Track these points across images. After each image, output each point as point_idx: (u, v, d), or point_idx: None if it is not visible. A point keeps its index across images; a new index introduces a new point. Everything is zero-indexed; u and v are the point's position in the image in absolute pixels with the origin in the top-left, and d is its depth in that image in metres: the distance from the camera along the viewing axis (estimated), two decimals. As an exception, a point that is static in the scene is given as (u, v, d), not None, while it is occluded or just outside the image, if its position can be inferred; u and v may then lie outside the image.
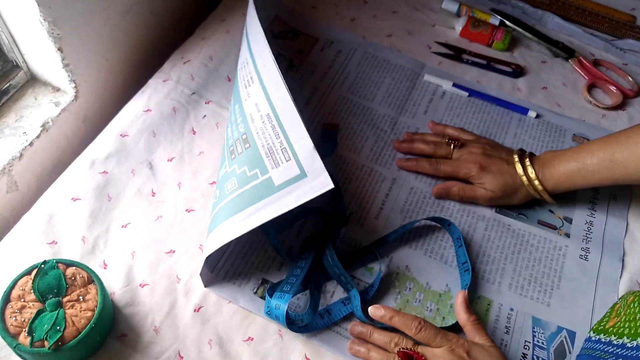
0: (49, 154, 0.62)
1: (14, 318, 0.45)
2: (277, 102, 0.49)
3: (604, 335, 0.49)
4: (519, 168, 0.59)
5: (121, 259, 0.54)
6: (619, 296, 0.56)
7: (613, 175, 0.55)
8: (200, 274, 0.51)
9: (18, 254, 0.53)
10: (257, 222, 0.46)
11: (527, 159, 0.59)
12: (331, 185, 0.44)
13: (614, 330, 0.48)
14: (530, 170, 0.58)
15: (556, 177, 0.58)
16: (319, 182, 0.45)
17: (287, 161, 0.47)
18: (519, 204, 0.60)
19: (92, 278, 0.48)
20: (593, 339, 0.51)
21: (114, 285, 0.52)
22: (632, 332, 0.46)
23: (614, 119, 0.72)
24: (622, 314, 0.49)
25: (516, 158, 0.59)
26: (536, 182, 0.58)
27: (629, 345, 0.45)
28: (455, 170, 0.61)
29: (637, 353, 0.43)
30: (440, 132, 0.66)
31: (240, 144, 0.50)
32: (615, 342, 0.47)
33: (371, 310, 0.50)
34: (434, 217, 0.60)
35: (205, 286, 0.53)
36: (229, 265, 0.55)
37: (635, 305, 0.48)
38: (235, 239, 0.56)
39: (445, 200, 0.62)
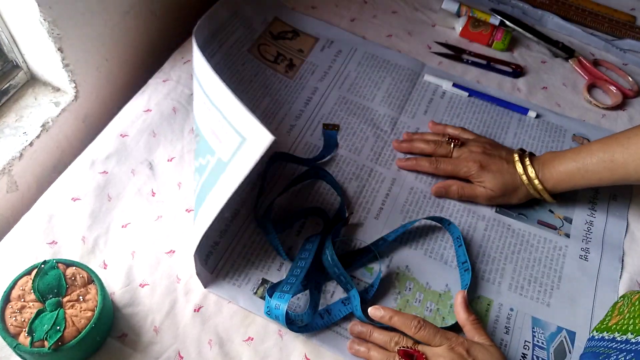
0: (49, 154, 0.62)
1: (14, 318, 0.45)
2: (211, 91, 0.49)
3: (607, 333, 0.49)
4: (519, 167, 0.59)
5: (121, 259, 0.54)
6: (619, 296, 0.56)
7: (613, 176, 0.55)
8: (198, 274, 0.51)
9: (18, 254, 0.53)
10: (220, 204, 0.46)
11: (527, 159, 0.59)
12: (270, 137, 0.43)
13: (617, 328, 0.48)
14: (530, 169, 0.58)
15: (556, 176, 0.58)
16: (260, 140, 0.44)
17: (226, 134, 0.46)
18: (518, 203, 0.61)
19: (92, 278, 0.48)
20: (596, 337, 0.51)
21: (114, 285, 0.52)
22: (637, 328, 0.46)
23: (614, 119, 0.72)
24: (626, 311, 0.49)
25: (516, 157, 0.59)
26: (536, 182, 0.58)
27: (633, 340, 0.45)
28: (455, 169, 0.61)
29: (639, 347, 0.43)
30: (441, 132, 0.66)
31: (195, 139, 0.51)
32: (619, 338, 0.47)
33: (371, 311, 0.50)
34: (434, 216, 0.60)
35: (204, 287, 0.53)
36: (229, 266, 0.55)
37: None
38: (236, 239, 0.56)
39: (444, 199, 0.62)
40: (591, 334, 0.53)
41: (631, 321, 0.47)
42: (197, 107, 0.53)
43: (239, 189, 0.45)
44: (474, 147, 0.61)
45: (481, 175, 0.59)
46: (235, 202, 0.57)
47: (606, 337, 0.49)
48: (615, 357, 0.44)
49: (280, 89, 0.70)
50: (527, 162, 0.59)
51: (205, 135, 0.50)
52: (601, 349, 0.48)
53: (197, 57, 0.52)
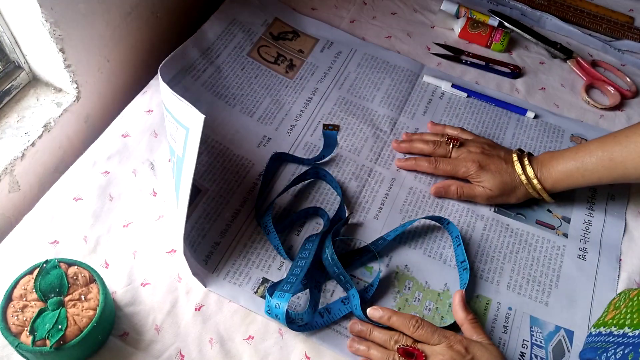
0: (50, 154, 0.62)
1: (16, 317, 0.45)
2: (167, 101, 0.51)
3: (604, 328, 0.50)
4: (517, 167, 0.59)
5: (122, 258, 0.54)
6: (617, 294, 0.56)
7: (612, 174, 0.56)
8: (195, 274, 0.52)
9: (20, 254, 0.53)
10: (186, 196, 0.48)
11: (526, 159, 0.59)
12: (201, 116, 0.44)
13: (614, 322, 0.49)
14: (529, 169, 0.59)
15: (555, 176, 0.58)
16: (194, 123, 0.46)
17: (176, 131, 0.49)
18: (517, 202, 0.61)
19: (93, 277, 0.48)
20: (594, 333, 0.51)
21: (116, 284, 0.52)
22: (635, 322, 0.46)
23: (612, 120, 0.72)
24: (623, 306, 0.50)
25: (515, 157, 0.60)
26: (535, 181, 0.58)
27: (630, 334, 0.45)
28: (454, 169, 0.61)
29: (638, 340, 0.44)
30: (440, 132, 0.66)
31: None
32: (615, 332, 0.47)
33: (369, 311, 0.50)
34: (433, 216, 0.60)
35: (204, 286, 0.53)
36: (229, 265, 0.55)
37: (639, 299, 0.48)
38: (236, 239, 0.57)
39: (444, 199, 0.62)
40: (589, 331, 0.53)
41: (628, 315, 0.47)
42: (166, 126, 0.54)
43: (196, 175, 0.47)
44: (472, 148, 0.62)
45: (480, 175, 0.60)
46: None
47: (603, 332, 0.49)
48: (613, 350, 0.45)
49: (280, 90, 0.70)
50: (526, 161, 0.59)
51: (169, 142, 0.52)
52: (599, 343, 0.48)
53: (162, 86, 0.53)
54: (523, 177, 0.59)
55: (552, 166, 0.58)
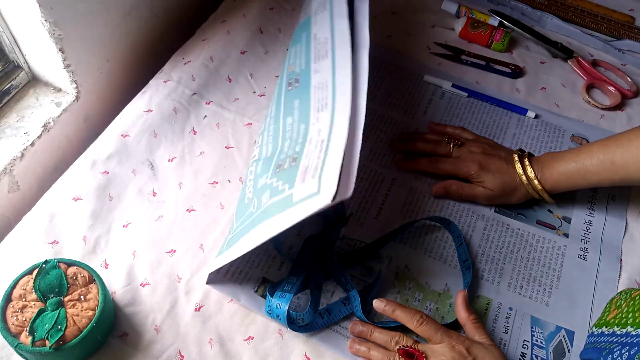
0: (50, 154, 0.62)
1: (15, 317, 0.45)
2: (338, 127, 0.46)
3: (605, 327, 0.50)
4: (518, 167, 0.59)
5: (122, 258, 0.54)
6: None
7: (613, 177, 0.55)
8: (209, 274, 0.52)
9: (19, 254, 0.53)
10: (264, 237, 0.45)
11: (527, 159, 0.59)
12: (326, 201, 0.40)
13: (616, 322, 0.49)
14: (529, 169, 0.58)
15: (555, 177, 0.58)
16: (321, 197, 0.42)
17: (312, 178, 0.44)
18: (517, 203, 0.61)
19: (93, 277, 0.48)
20: (595, 333, 0.51)
21: (115, 284, 0.52)
22: (637, 321, 0.46)
23: (612, 120, 0.72)
24: (624, 305, 0.50)
25: (516, 157, 0.60)
26: (535, 182, 0.58)
27: (633, 333, 0.45)
28: (455, 169, 0.61)
29: None
30: (440, 131, 0.66)
31: (290, 162, 0.49)
32: (618, 332, 0.47)
33: (375, 302, 0.50)
34: (434, 216, 0.60)
35: (206, 282, 0.53)
36: (230, 264, 0.55)
37: None
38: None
39: (444, 199, 0.62)
40: (590, 331, 0.53)
41: (630, 315, 0.47)
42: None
43: (278, 235, 0.44)
44: (473, 147, 0.62)
45: (481, 175, 0.59)
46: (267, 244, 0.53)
47: (606, 332, 0.49)
48: (618, 352, 0.44)
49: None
50: (527, 162, 0.59)
51: (301, 165, 0.46)
52: (602, 344, 0.48)
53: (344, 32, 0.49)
54: (524, 178, 0.59)
55: (553, 167, 0.58)
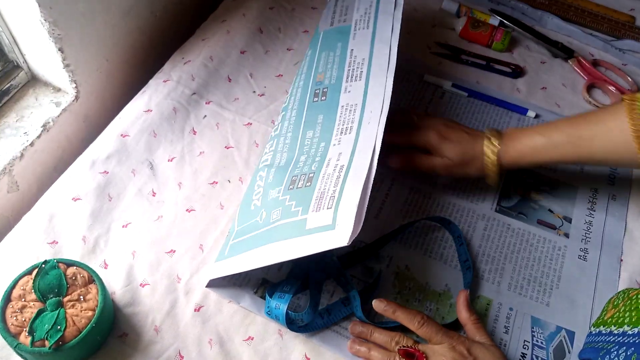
0: (49, 154, 0.62)
1: (15, 318, 0.45)
2: (359, 158, 0.46)
3: (603, 327, 0.50)
4: (482, 137, 0.57)
5: (122, 258, 0.54)
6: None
7: (578, 153, 0.54)
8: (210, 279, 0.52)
9: (19, 254, 0.53)
10: (274, 259, 0.45)
11: (494, 131, 0.58)
12: (343, 242, 0.40)
13: (613, 321, 0.49)
14: (493, 140, 0.57)
15: (519, 149, 0.56)
16: (336, 235, 0.42)
17: (327, 209, 0.44)
18: (476, 175, 0.59)
19: (92, 278, 0.48)
20: (593, 332, 0.51)
21: (115, 284, 0.52)
22: (634, 320, 0.46)
23: (613, 119, 0.72)
24: (621, 304, 0.50)
25: (485, 131, 0.58)
26: (494, 150, 0.56)
27: (629, 332, 0.45)
28: (415, 139, 0.59)
29: (638, 339, 0.43)
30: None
31: (304, 180, 0.48)
32: (615, 331, 0.47)
33: (375, 303, 0.50)
34: (434, 216, 0.60)
35: (206, 286, 0.53)
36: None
37: (639, 298, 0.48)
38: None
39: (444, 198, 0.62)
40: (589, 331, 0.53)
41: (627, 314, 0.47)
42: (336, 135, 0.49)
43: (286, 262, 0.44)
44: (435, 119, 0.60)
45: (440, 144, 0.58)
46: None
47: (603, 332, 0.49)
48: (615, 352, 0.44)
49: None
50: (491, 132, 0.57)
51: (316, 188, 0.46)
52: (600, 344, 0.48)
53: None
54: (486, 148, 0.57)
55: (519, 140, 0.56)
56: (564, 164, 0.58)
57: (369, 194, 0.44)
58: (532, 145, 0.56)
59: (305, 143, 0.52)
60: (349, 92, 0.53)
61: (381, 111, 0.50)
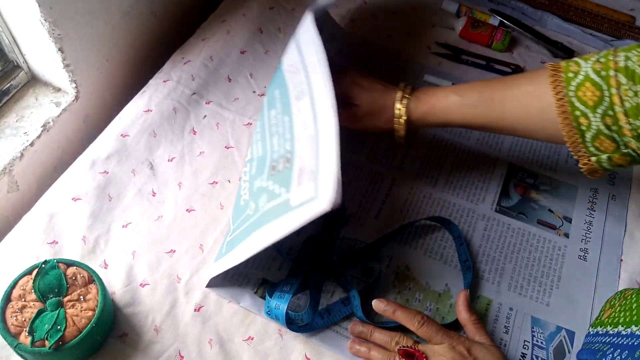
0: (49, 154, 0.62)
1: (15, 318, 0.45)
2: (323, 126, 0.46)
3: (600, 327, 0.50)
4: (394, 89, 0.56)
5: (122, 258, 0.54)
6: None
7: (489, 114, 0.53)
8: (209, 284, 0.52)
9: (19, 254, 0.53)
10: (264, 244, 0.45)
11: (407, 84, 0.56)
12: (324, 207, 0.41)
13: (609, 321, 0.49)
14: (406, 90, 0.56)
15: (432, 103, 0.55)
16: (319, 203, 0.42)
17: (308, 182, 0.44)
18: (385, 128, 0.57)
19: (92, 278, 0.48)
20: (591, 333, 0.51)
21: (115, 284, 0.52)
22: (627, 320, 0.46)
23: (613, 119, 0.72)
24: (617, 304, 0.50)
25: (396, 86, 0.57)
26: (404, 104, 0.55)
27: (623, 332, 0.45)
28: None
29: (631, 341, 0.43)
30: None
31: (284, 162, 0.48)
32: (611, 331, 0.47)
33: (374, 303, 0.50)
34: (434, 216, 0.60)
35: (206, 286, 0.53)
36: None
37: (633, 298, 0.48)
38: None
39: (444, 199, 0.62)
40: (588, 331, 0.53)
41: (622, 314, 0.47)
42: (297, 120, 0.49)
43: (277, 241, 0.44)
44: (354, 69, 0.59)
45: (352, 90, 0.56)
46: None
47: (600, 332, 0.49)
48: (611, 355, 0.44)
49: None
50: (405, 85, 0.56)
51: (295, 166, 0.46)
52: (597, 345, 0.48)
53: (314, 46, 0.48)
54: (397, 99, 0.55)
55: (432, 94, 0.55)
56: (475, 129, 0.56)
57: (339, 152, 0.43)
58: (444, 101, 0.54)
59: (272, 123, 0.52)
60: (287, 54, 0.53)
61: (318, 60, 0.49)
